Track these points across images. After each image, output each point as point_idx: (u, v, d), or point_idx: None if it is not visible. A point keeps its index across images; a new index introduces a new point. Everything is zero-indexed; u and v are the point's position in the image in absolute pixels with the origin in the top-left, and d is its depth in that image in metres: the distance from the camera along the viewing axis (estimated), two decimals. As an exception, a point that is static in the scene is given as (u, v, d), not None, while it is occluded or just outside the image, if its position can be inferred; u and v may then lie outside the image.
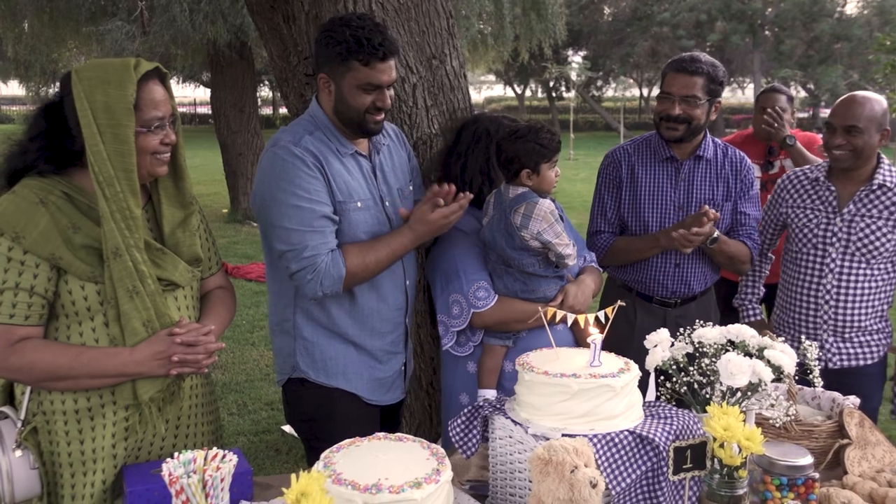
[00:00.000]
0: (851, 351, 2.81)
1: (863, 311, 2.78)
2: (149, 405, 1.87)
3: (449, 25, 2.88)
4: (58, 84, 1.84)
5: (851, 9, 38.51)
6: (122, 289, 1.77)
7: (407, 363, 2.50)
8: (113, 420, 1.86)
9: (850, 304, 2.77)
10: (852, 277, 2.76)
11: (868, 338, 2.82)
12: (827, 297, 2.79)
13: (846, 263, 2.76)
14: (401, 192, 2.40)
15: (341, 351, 2.30)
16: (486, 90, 66.47)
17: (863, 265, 2.75)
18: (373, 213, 2.27)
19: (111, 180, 1.73)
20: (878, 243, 2.72)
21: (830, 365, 2.81)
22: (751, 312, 3.11)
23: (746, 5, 34.92)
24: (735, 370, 1.77)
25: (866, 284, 2.76)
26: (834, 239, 2.77)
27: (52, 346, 1.80)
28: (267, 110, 40.64)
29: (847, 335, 2.80)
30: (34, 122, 1.82)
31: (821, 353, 2.80)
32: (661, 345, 1.91)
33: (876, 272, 2.76)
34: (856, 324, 2.79)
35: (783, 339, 2.04)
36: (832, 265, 2.77)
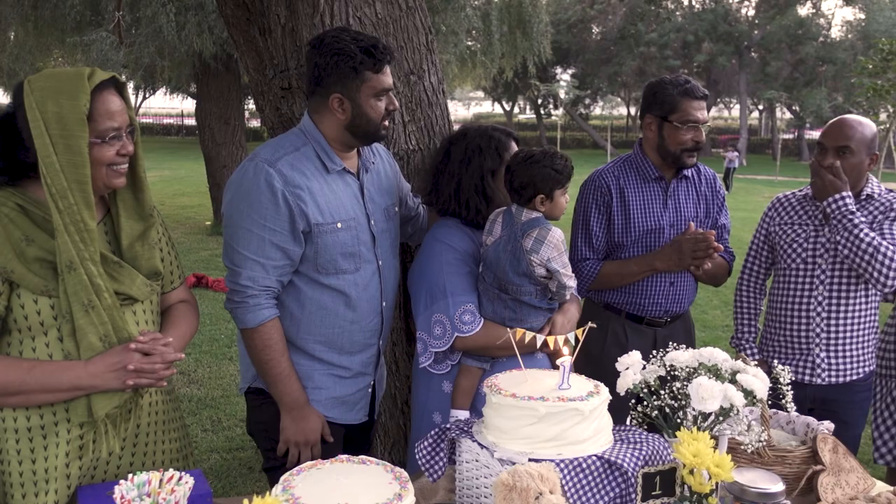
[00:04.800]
0: (842, 366, 2.76)
1: (854, 323, 2.75)
2: (104, 422, 1.81)
3: (427, 41, 2.86)
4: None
5: (836, 32, 39.03)
6: (77, 303, 1.72)
7: (376, 385, 2.45)
8: (66, 438, 1.80)
9: (841, 316, 2.74)
10: (843, 288, 2.73)
11: (858, 352, 2.78)
12: (818, 308, 2.75)
13: (836, 274, 2.73)
14: (386, 211, 2.36)
15: (303, 364, 2.25)
16: (476, 106, 66.92)
17: (852, 277, 2.72)
18: (354, 233, 2.22)
19: (64, 192, 1.69)
20: None
21: (820, 381, 2.76)
22: (749, 353, 2.96)
23: (733, 27, 35.37)
24: (706, 394, 1.74)
25: (855, 296, 2.74)
26: (822, 250, 2.74)
27: (3, 361, 1.74)
28: (255, 123, 40.55)
29: (839, 349, 2.75)
30: None
31: (812, 370, 2.77)
32: (632, 367, 1.88)
33: (862, 284, 2.73)
34: (847, 336, 2.75)
35: (755, 361, 2.01)
36: (822, 276, 2.75)
